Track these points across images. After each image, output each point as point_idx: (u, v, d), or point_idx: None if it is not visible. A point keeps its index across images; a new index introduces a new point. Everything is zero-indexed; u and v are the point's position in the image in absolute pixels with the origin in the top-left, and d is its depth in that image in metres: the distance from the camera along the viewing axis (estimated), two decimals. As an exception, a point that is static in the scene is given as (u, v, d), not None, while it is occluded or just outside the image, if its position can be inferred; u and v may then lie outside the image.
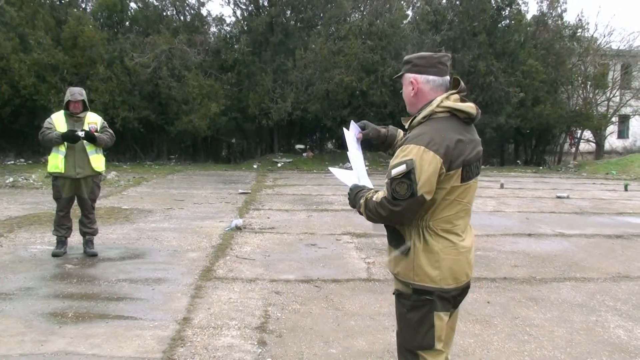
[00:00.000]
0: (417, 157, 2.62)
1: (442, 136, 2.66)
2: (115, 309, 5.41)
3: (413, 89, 2.86)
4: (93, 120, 7.38)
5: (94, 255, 7.37)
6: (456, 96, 2.80)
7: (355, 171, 3.07)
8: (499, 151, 30.34)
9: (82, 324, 4.96)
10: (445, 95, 2.79)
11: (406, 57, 2.95)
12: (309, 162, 24.81)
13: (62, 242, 7.41)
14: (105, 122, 7.64)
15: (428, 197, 2.65)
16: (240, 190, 14.60)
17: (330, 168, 3.89)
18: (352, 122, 3.26)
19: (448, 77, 2.87)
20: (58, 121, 7.22)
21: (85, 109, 7.33)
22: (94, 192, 7.50)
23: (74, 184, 7.24)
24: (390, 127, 3.31)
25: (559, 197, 14.49)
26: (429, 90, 2.84)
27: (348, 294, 6.04)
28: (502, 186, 16.71)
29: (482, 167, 19.02)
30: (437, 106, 2.75)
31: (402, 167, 2.63)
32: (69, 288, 6.01)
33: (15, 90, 21.61)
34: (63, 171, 7.10)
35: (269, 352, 4.47)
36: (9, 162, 21.94)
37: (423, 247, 2.75)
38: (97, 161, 7.34)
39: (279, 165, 23.75)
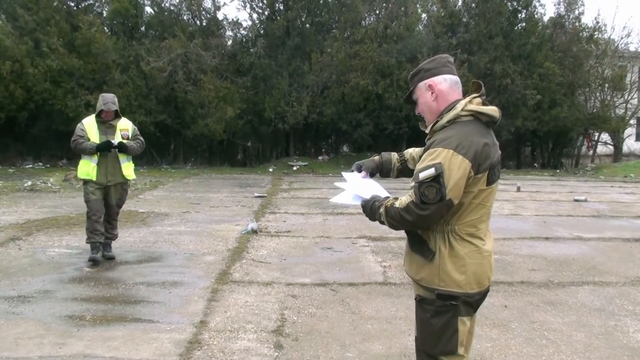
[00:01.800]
0: (446, 160, 2.61)
1: (469, 140, 2.65)
2: (132, 312, 5.44)
3: (433, 92, 2.84)
4: (124, 127, 7.39)
5: (112, 258, 7.40)
6: (479, 100, 2.80)
7: (366, 188, 3.08)
8: (515, 154, 30.16)
9: (100, 327, 4.99)
10: (468, 99, 2.78)
11: (412, 72, 2.95)
12: (324, 165, 24.82)
13: (97, 247, 7.29)
14: (136, 128, 7.66)
15: (455, 202, 2.64)
16: (256, 194, 14.63)
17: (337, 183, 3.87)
18: (343, 173, 3.30)
19: (457, 77, 2.88)
20: (90, 128, 7.19)
21: (117, 116, 7.32)
22: (122, 199, 7.57)
23: (103, 189, 7.26)
24: (383, 153, 3.35)
25: (576, 200, 14.37)
26: (447, 88, 2.83)
27: (364, 298, 6.03)
28: (518, 189, 16.60)
29: (499, 170, 18.69)
30: (462, 110, 2.74)
31: (431, 171, 2.61)
32: (87, 291, 6.05)
33: (30, 95, 21.81)
34: (94, 178, 7.12)
35: (285, 355, 4.47)
36: (27, 166, 22.17)
37: (449, 252, 2.73)
38: (128, 169, 7.39)
39: (295, 168, 23.78)
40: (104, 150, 7.09)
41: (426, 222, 2.71)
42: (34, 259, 7.36)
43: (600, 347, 4.77)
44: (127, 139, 7.33)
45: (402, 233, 2.95)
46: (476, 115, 2.74)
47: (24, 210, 11.36)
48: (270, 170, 23.48)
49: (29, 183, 15.63)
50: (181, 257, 7.63)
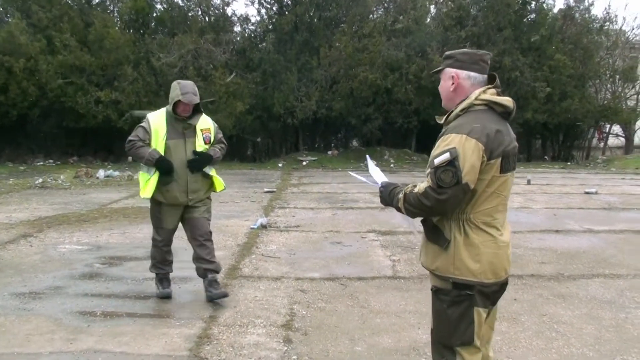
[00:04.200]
0: (460, 145, 2.65)
1: (482, 125, 2.70)
2: (142, 307, 5.48)
3: (453, 83, 2.89)
4: (206, 127, 5.57)
5: (224, 296, 5.55)
6: (493, 90, 2.84)
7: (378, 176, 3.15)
8: (526, 147, 29.97)
9: (110, 322, 5.03)
10: (482, 89, 2.82)
11: (448, 53, 2.98)
12: (333, 160, 24.79)
13: (167, 279, 5.87)
14: (217, 127, 5.81)
15: (472, 185, 2.68)
16: (266, 189, 14.65)
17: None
18: (367, 156, 3.53)
19: (486, 76, 2.90)
20: (157, 126, 5.34)
21: (196, 112, 5.44)
22: (210, 209, 5.79)
23: (181, 210, 5.55)
24: None
25: (587, 193, 14.29)
26: (469, 86, 2.87)
27: (373, 292, 6.03)
28: (529, 182, 16.53)
29: (509, 163, 18.52)
30: (476, 99, 2.79)
31: (446, 155, 2.66)
32: (97, 287, 6.09)
33: (43, 92, 21.90)
34: (164, 199, 5.43)
35: (294, 349, 4.49)
36: (38, 163, 22.26)
37: (464, 240, 2.77)
38: (215, 180, 5.75)
39: (304, 163, 23.77)
40: (165, 172, 5.32)
41: (444, 207, 2.73)
42: (45, 256, 7.41)
43: (610, 340, 4.76)
44: (210, 143, 5.57)
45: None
46: (490, 105, 2.79)
47: (35, 207, 11.43)
48: (280, 165, 23.49)
49: (40, 180, 15.69)
50: (191, 253, 7.62)
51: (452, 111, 2.86)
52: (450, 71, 2.90)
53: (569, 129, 28.79)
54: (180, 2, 26.07)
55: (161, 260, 5.75)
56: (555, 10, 27.79)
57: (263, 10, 26.69)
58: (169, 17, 25.48)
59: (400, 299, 5.79)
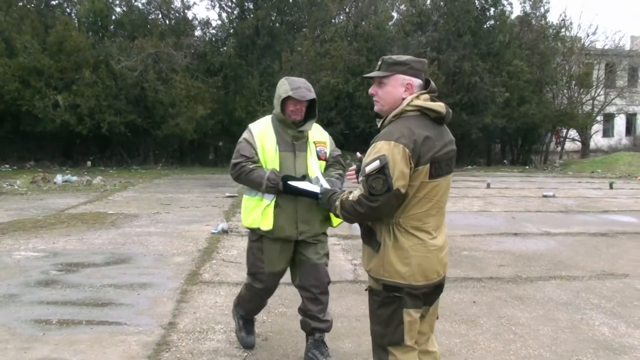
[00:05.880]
0: (389, 152, 2.68)
1: (410, 131, 2.71)
2: (100, 314, 5.37)
3: (406, 91, 2.87)
4: (321, 139, 4.27)
5: None
6: (426, 96, 2.86)
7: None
8: (485, 151, 30.45)
9: (66, 330, 4.92)
10: (415, 94, 2.84)
11: (398, 58, 2.92)
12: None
13: (252, 320, 4.70)
14: (333, 141, 4.42)
15: (403, 191, 2.71)
16: (227, 194, 14.55)
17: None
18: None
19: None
20: (263, 134, 4.12)
21: (309, 117, 4.19)
22: (326, 250, 4.38)
23: (290, 247, 4.21)
24: None
25: (545, 196, 14.56)
26: (415, 93, 2.89)
27: (334, 296, 6.00)
28: (488, 186, 16.78)
29: (469, 167, 19.10)
30: (408, 105, 2.81)
31: (376, 163, 2.69)
32: (53, 294, 5.96)
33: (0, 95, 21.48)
34: (271, 227, 4.04)
35: (254, 355, 4.46)
36: (-7, 169, 21.77)
37: (393, 243, 2.81)
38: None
39: (266, 168, 23.69)
40: (297, 193, 3.89)
41: (378, 214, 2.78)
42: (-1, 263, 7.24)
43: (566, 341, 4.83)
44: (325, 160, 4.23)
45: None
46: (422, 111, 2.80)
47: (-10, 213, 11.16)
48: (242, 169, 23.37)
49: (-5, 185, 15.36)
50: (150, 259, 7.55)
51: (387, 117, 2.89)
52: (404, 78, 2.87)
53: (527, 134, 29.32)
54: (140, 5, 25.90)
55: (255, 309, 4.59)
56: (513, 16, 28.30)
57: (224, 14, 26.62)
58: (128, 20, 25.22)
59: (361, 303, 5.78)
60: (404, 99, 2.85)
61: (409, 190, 2.74)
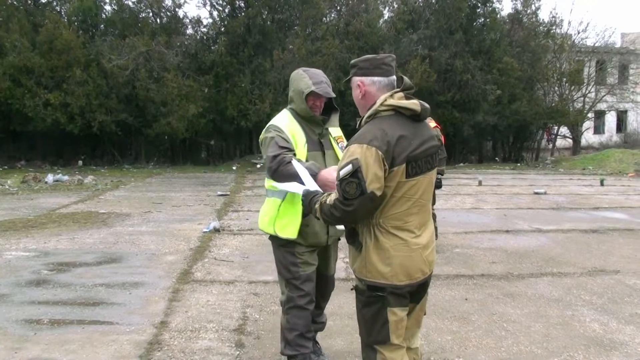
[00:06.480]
0: (362, 155, 2.67)
1: (383, 133, 2.70)
2: (91, 314, 5.35)
3: (360, 91, 2.91)
4: (338, 134, 4.06)
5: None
6: (400, 94, 2.84)
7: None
8: (477, 148, 30.51)
9: (57, 330, 4.90)
10: (389, 94, 2.82)
11: (352, 61, 3.00)
12: (288, 162, 24.75)
13: (315, 352, 4.28)
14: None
15: (379, 193, 2.69)
16: (219, 192, 14.54)
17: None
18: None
19: (394, 77, 2.91)
20: (294, 131, 3.84)
21: (328, 110, 4.05)
22: (337, 255, 4.30)
23: (317, 253, 4.01)
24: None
25: (536, 193, 14.61)
26: (375, 91, 2.88)
27: (326, 294, 6.02)
28: (480, 183, 16.83)
29: (461, 164, 19.01)
30: (381, 105, 2.79)
31: (349, 167, 2.68)
32: (45, 294, 5.93)
33: (-10, 95, 21.40)
34: (304, 240, 3.83)
35: (246, 354, 4.45)
36: (-17, 168, 21.67)
37: (374, 244, 2.81)
38: None
39: (258, 166, 23.67)
40: (292, 177, 3.46)
41: (354, 217, 2.79)
42: (-11, 263, 7.20)
43: (558, 337, 4.85)
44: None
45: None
46: (397, 110, 2.79)
47: (-20, 213, 11.11)
48: (234, 168, 23.37)
49: (-14, 185, 15.29)
50: (142, 258, 7.53)
51: (363, 117, 2.90)
52: (355, 80, 2.93)
53: (519, 131, 29.39)
54: (130, 3, 25.79)
55: (306, 329, 3.96)
56: (504, 14, 28.37)
57: (215, 13, 26.54)
58: (119, 18, 25.14)
59: (353, 301, 5.69)
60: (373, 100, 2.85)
61: (387, 190, 2.72)
